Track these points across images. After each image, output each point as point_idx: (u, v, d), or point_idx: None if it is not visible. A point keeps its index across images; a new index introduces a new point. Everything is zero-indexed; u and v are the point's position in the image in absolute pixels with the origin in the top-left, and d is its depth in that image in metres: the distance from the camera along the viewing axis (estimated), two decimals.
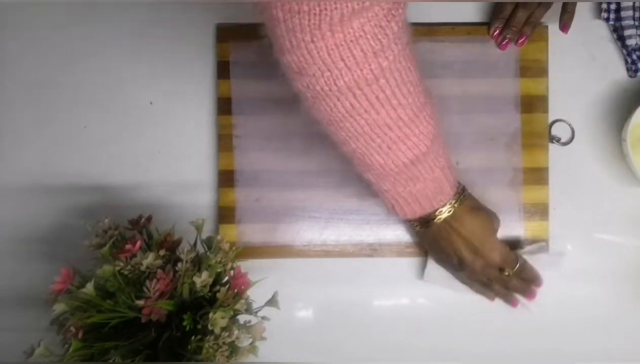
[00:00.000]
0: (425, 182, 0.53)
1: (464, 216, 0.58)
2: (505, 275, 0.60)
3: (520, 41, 0.65)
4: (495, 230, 0.61)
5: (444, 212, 0.57)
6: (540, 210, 0.65)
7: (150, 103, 0.67)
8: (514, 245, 0.64)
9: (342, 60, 0.41)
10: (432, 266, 0.64)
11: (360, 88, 0.44)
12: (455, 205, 0.57)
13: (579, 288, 0.66)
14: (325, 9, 0.37)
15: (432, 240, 0.60)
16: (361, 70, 0.42)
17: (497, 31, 0.65)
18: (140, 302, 0.51)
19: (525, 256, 0.63)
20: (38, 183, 0.66)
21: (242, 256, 0.61)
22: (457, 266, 0.60)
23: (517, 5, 0.64)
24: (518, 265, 0.61)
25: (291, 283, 0.65)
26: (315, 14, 0.38)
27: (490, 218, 0.60)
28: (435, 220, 0.57)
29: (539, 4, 0.63)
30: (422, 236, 0.62)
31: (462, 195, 0.58)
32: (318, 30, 0.39)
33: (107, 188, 0.66)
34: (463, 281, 0.63)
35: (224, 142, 0.66)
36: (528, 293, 0.63)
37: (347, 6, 0.38)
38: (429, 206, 0.56)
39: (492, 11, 0.66)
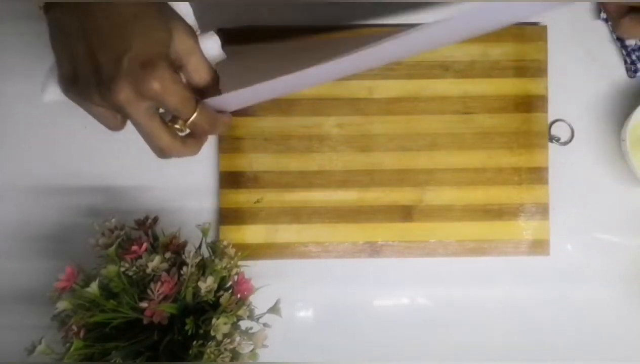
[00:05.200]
0: None
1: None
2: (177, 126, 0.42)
3: None
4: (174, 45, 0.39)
5: None
6: (540, 210, 0.66)
7: None
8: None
9: None
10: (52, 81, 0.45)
11: None
12: None
13: (579, 288, 0.66)
14: None
15: (60, 30, 0.40)
16: None
17: None
18: (144, 304, 0.51)
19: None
20: (38, 183, 0.66)
21: (243, 257, 0.61)
22: (87, 76, 0.39)
23: None
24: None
25: (291, 283, 0.65)
26: None
27: (169, 20, 0.39)
28: None
29: None
30: (53, 22, 0.41)
31: None
32: None
33: (107, 189, 0.66)
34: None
35: (224, 143, 0.66)
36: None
37: None
38: None
39: None
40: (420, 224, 0.66)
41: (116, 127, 0.44)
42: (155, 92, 0.38)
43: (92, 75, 0.38)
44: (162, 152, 0.43)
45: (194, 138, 0.44)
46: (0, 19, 0.67)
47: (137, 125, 0.41)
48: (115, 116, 0.42)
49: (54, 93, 0.45)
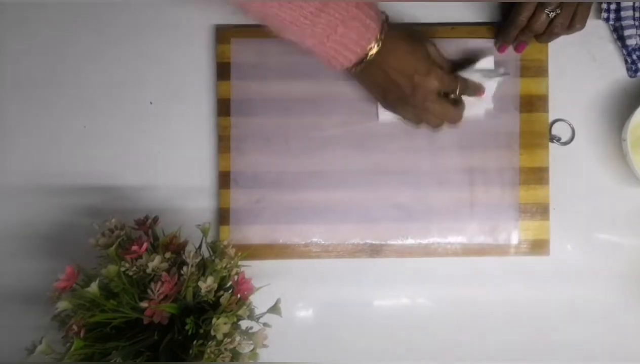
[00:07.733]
0: (345, 24, 0.52)
1: (393, 47, 0.56)
2: (451, 98, 0.61)
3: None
4: (430, 53, 0.59)
5: (373, 48, 0.55)
6: (540, 210, 0.66)
7: (150, 103, 0.67)
8: (463, 64, 0.63)
9: None
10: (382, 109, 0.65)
11: None
12: (381, 38, 0.55)
13: (579, 288, 0.66)
14: None
15: (370, 81, 0.60)
16: None
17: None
18: (144, 304, 0.51)
19: (472, 74, 0.62)
20: (38, 183, 0.66)
21: (243, 257, 0.61)
22: (398, 100, 0.59)
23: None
24: (459, 84, 0.60)
25: (291, 283, 0.66)
26: None
27: (420, 43, 0.59)
28: (368, 59, 0.55)
29: None
30: (361, 79, 0.61)
31: (386, 24, 0.55)
32: None
33: (107, 189, 0.66)
34: (408, 118, 0.62)
35: (224, 143, 0.66)
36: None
37: None
38: (360, 47, 0.54)
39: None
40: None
41: (420, 124, 0.63)
42: (436, 85, 0.58)
43: (399, 96, 0.59)
44: (452, 121, 0.62)
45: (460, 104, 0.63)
46: (2, 24, 0.67)
47: (432, 111, 0.60)
48: (419, 118, 0.61)
49: (386, 115, 0.65)
